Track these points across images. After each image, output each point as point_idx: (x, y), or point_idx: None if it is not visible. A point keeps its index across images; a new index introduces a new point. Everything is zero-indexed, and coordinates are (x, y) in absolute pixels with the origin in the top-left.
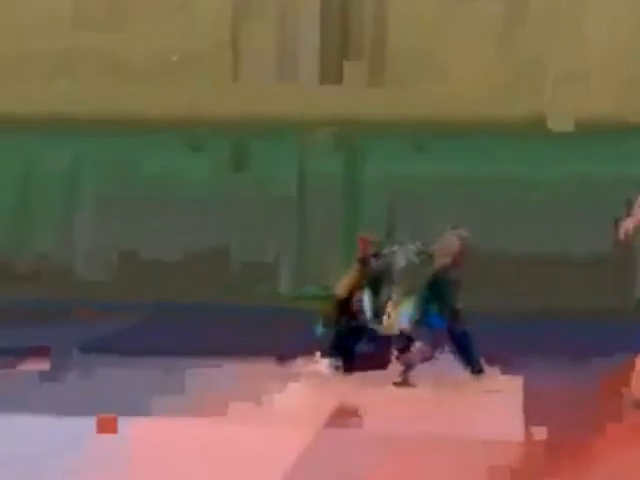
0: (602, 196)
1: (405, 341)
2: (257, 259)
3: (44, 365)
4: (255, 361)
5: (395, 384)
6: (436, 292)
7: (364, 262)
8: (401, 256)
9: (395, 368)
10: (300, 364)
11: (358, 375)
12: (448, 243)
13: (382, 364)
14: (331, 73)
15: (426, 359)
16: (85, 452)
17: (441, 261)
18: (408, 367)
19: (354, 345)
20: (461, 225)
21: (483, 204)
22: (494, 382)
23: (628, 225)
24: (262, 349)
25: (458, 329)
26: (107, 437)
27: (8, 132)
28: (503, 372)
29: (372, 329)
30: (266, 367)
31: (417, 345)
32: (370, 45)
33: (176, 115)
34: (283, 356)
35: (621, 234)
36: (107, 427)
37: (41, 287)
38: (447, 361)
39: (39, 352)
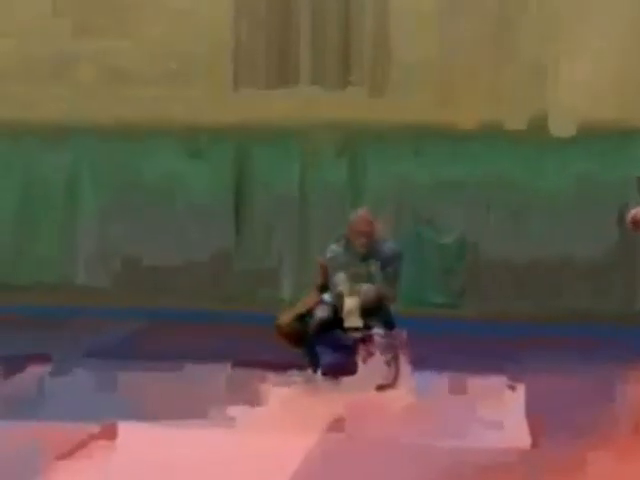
0: (605, 200)
1: (365, 331)
2: (259, 265)
3: (46, 372)
4: (256, 367)
5: (378, 388)
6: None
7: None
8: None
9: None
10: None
11: (355, 382)
12: (351, 221)
13: (351, 370)
14: (332, 79)
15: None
16: (86, 457)
17: (359, 242)
18: (390, 352)
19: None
20: (467, 229)
21: (485, 208)
22: (497, 386)
23: (638, 212)
24: (263, 354)
25: None
26: (109, 443)
27: (8, 138)
28: (505, 376)
29: (334, 340)
30: (268, 373)
31: (375, 330)
32: (371, 51)
33: (177, 121)
34: (284, 363)
35: (629, 221)
36: (109, 433)
37: (43, 294)
38: (442, 366)
39: (41, 359)
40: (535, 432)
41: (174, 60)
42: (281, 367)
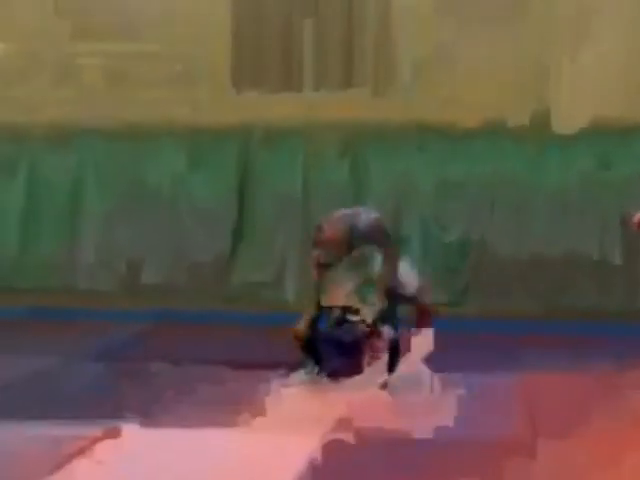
0: (609, 197)
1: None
2: (262, 266)
3: (50, 374)
4: (259, 368)
5: (382, 387)
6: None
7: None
8: None
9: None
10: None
11: (358, 381)
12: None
13: (356, 372)
14: (335, 79)
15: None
16: (89, 460)
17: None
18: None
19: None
20: (470, 227)
21: (488, 206)
22: (499, 384)
23: None
24: (266, 355)
25: None
26: (112, 445)
27: (12, 141)
28: (507, 374)
29: (338, 340)
30: (271, 374)
31: (385, 327)
32: (373, 49)
33: (180, 123)
34: (287, 363)
35: (636, 222)
36: (112, 435)
37: (46, 297)
38: (445, 364)
39: (45, 361)
40: (537, 429)
41: (178, 62)
42: (284, 368)
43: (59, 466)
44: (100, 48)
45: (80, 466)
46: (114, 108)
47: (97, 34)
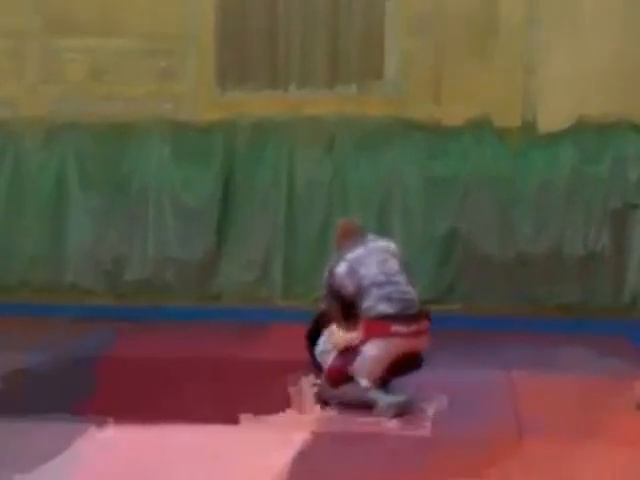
0: (594, 194)
1: None
2: (247, 263)
3: (36, 372)
4: (247, 365)
5: None
6: None
7: None
8: None
9: None
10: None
11: None
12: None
13: None
14: (321, 76)
15: None
16: (78, 456)
17: None
18: None
19: None
20: (456, 225)
21: (474, 204)
22: (486, 380)
23: None
24: (252, 352)
25: None
26: (101, 442)
27: None
28: (492, 370)
29: None
30: (257, 372)
31: None
32: (360, 49)
33: (164, 120)
34: (276, 361)
35: None
36: (101, 431)
37: (31, 294)
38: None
39: (31, 358)
40: (522, 426)
41: (162, 59)
42: (274, 366)
43: (46, 462)
44: (85, 44)
45: (68, 462)
46: (99, 104)
47: (81, 30)
